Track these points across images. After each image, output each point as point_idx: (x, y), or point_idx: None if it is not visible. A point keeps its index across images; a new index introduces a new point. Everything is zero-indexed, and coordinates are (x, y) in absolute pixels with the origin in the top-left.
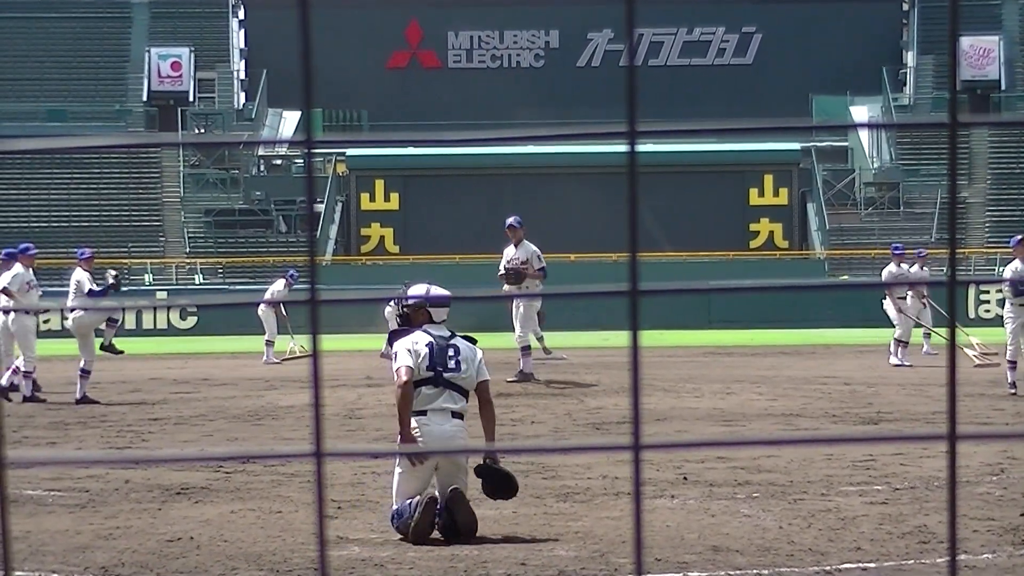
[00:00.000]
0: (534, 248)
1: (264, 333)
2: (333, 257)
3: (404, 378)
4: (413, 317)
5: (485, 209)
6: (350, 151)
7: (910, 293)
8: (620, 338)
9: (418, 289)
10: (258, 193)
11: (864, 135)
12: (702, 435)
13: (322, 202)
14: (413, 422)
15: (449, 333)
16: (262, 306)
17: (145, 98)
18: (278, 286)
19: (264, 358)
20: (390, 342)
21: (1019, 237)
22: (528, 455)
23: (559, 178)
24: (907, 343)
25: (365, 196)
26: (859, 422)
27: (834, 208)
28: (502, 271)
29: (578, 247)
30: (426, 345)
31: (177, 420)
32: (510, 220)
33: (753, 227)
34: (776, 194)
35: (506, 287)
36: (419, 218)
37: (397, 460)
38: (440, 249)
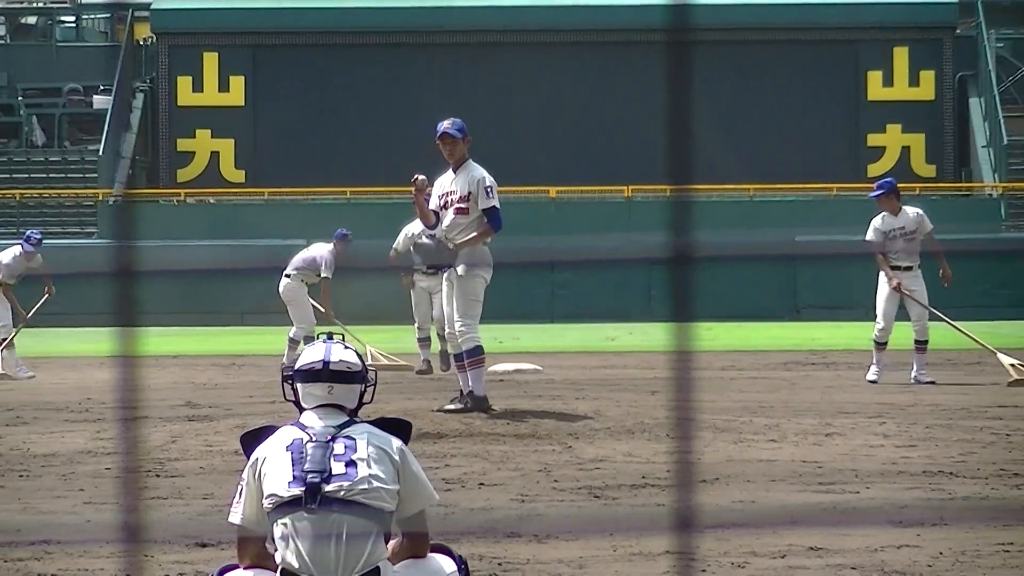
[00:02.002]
0: (482, 173)
1: None
2: (127, 191)
3: (240, 547)
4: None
5: (402, 106)
6: (158, 1)
7: None
8: (636, 336)
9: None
10: None
11: None
12: (783, 509)
13: (110, 90)
14: None
15: (343, 420)
16: None
17: None
18: (5, 258)
19: None
20: (245, 451)
21: None
22: (472, 541)
23: (535, 52)
24: None
25: (184, 82)
26: None
27: (1019, 108)
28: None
29: (568, 176)
30: (287, 447)
31: None
32: (445, 125)
33: (874, 140)
34: (915, 82)
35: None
36: (282, 122)
37: None
38: (319, 178)
